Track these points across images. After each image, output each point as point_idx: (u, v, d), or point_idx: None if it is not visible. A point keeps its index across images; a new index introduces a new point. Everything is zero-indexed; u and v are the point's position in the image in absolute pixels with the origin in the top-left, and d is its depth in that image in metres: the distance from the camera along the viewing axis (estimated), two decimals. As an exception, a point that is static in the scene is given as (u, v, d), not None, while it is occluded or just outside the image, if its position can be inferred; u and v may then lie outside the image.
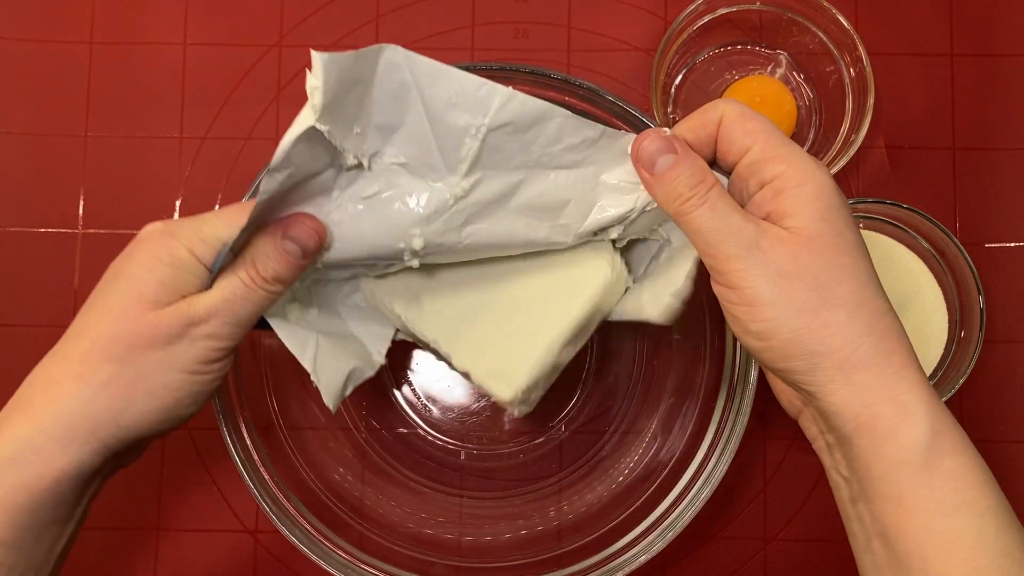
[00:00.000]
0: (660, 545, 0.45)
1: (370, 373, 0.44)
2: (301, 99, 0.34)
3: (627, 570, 0.45)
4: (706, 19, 0.55)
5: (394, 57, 0.36)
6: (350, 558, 0.46)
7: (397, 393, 0.55)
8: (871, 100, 0.52)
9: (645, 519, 0.47)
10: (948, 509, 0.32)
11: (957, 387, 0.49)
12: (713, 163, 0.38)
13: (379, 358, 0.45)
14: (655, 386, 0.54)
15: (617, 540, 0.47)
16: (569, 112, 0.38)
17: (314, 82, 0.33)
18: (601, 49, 0.56)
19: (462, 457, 0.54)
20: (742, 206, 0.36)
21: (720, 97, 0.55)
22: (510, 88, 0.37)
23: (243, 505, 0.54)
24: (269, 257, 0.37)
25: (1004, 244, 0.55)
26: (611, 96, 0.46)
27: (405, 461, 0.54)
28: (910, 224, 0.52)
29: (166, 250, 0.37)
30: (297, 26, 0.57)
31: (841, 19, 0.52)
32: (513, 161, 0.39)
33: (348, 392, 0.43)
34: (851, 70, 0.53)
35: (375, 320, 0.47)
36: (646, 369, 0.54)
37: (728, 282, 0.34)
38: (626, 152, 0.39)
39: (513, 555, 0.49)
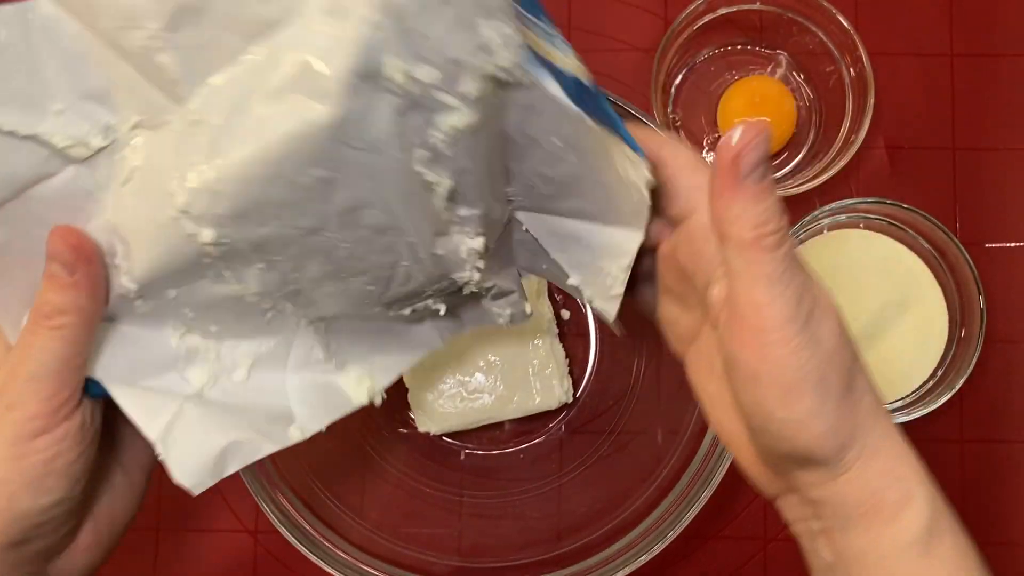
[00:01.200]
0: (660, 545, 0.45)
1: (270, 449, 0.34)
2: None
3: (627, 570, 0.45)
4: (706, 19, 0.54)
5: (45, 12, 0.28)
6: (350, 558, 0.46)
7: (397, 393, 0.55)
8: (871, 100, 0.52)
9: (645, 519, 0.47)
10: None
11: (957, 387, 0.49)
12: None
13: (297, 433, 0.35)
14: (655, 386, 0.53)
15: (617, 540, 0.47)
16: None
17: None
18: (601, 49, 0.56)
19: (462, 457, 0.54)
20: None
21: (720, 97, 0.55)
22: None
23: (243, 505, 0.54)
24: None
25: (1004, 244, 0.55)
26: (611, 96, 0.46)
27: (405, 461, 0.54)
28: (910, 224, 0.52)
29: None
30: (297, 26, 0.57)
31: (841, 19, 0.52)
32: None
33: (226, 473, 0.33)
34: (851, 70, 0.53)
35: (328, 390, 0.37)
36: (646, 369, 0.54)
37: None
38: None
39: (513, 555, 0.49)
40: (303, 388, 0.36)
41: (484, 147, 0.31)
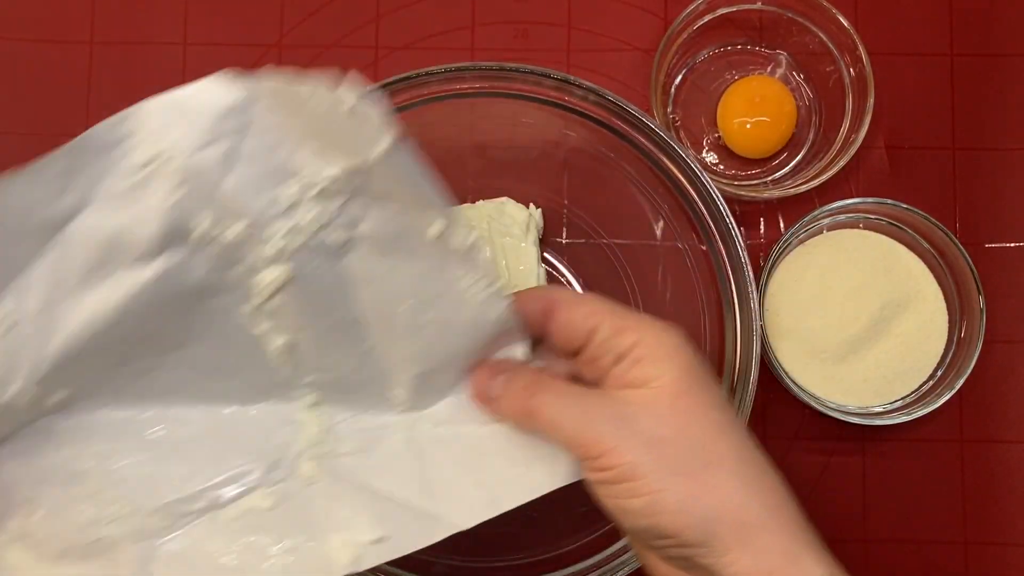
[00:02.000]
0: (660, 545, 0.44)
1: None
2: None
3: (627, 570, 0.45)
4: (706, 19, 0.55)
5: None
6: (350, 558, 0.46)
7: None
8: (871, 100, 0.52)
9: (645, 519, 0.47)
10: None
11: (957, 387, 0.49)
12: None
13: None
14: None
15: (617, 540, 0.47)
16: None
17: None
18: (601, 49, 0.56)
19: (462, 457, 0.54)
20: (598, 387, 0.34)
21: (720, 97, 0.55)
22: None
23: (243, 505, 0.54)
24: None
25: (1004, 244, 0.55)
26: (611, 96, 0.46)
27: (405, 461, 0.54)
28: (910, 224, 0.52)
29: None
30: (297, 26, 0.57)
31: (841, 19, 0.52)
32: None
33: None
34: (851, 70, 0.53)
35: None
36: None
37: (601, 466, 0.32)
38: None
39: (513, 555, 0.49)
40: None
41: (314, 305, 0.33)
